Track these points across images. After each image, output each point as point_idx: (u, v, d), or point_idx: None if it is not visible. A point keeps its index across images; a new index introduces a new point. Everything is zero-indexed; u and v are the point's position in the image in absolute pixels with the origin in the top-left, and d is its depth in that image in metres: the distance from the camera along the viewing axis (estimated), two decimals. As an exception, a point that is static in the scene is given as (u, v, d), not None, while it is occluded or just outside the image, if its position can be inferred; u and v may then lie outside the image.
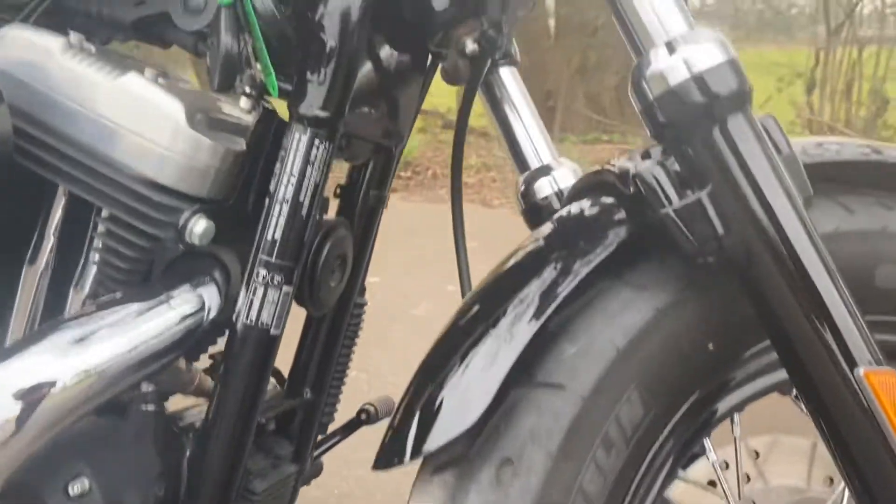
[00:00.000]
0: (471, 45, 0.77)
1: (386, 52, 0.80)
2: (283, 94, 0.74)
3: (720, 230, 0.62)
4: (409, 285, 3.13)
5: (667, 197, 0.63)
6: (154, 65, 0.84)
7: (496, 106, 0.94)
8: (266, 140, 0.77)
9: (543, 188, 0.90)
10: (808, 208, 0.65)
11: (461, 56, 0.80)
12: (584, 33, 7.20)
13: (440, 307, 2.91)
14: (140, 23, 0.81)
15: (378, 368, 2.39)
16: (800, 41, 8.38)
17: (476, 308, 0.70)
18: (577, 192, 0.77)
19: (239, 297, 0.73)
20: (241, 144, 0.76)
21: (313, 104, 0.70)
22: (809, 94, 7.19)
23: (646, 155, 0.71)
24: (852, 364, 0.60)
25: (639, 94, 0.64)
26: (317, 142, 0.71)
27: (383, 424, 1.08)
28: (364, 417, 1.05)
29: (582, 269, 0.66)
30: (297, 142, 0.71)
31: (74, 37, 0.76)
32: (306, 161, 0.71)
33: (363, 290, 0.94)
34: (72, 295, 0.79)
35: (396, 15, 0.76)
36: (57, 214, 0.78)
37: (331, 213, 0.89)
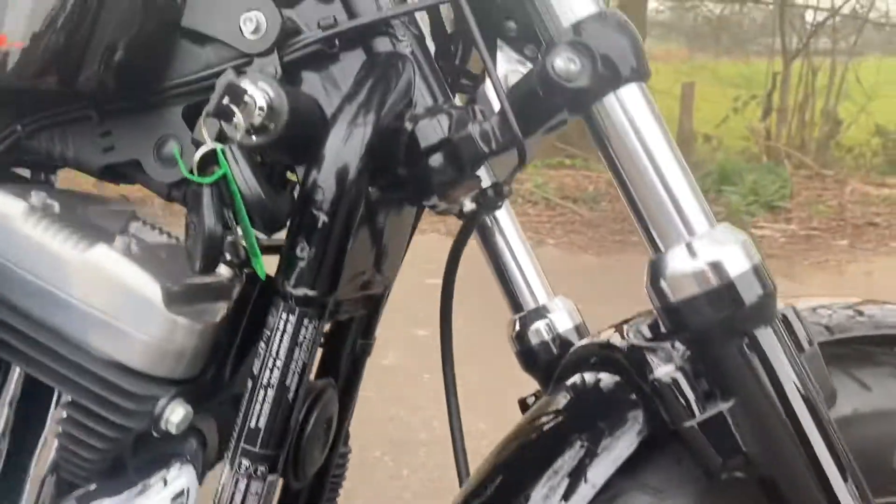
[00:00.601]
0: (469, 205, 0.72)
1: (378, 207, 0.74)
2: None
3: (743, 445, 0.58)
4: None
5: (688, 407, 0.59)
6: (127, 217, 0.78)
7: (488, 241, 0.89)
8: (247, 305, 0.72)
9: (540, 333, 0.86)
10: (832, 406, 0.63)
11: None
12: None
13: (410, 356, 2.85)
14: (109, 168, 0.75)
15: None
16: (753, 52, 8.53)
17: (488, 494, 0.66)
18: (582, 361, 0.73)
19: (221, 477, 0.67)
20: (221, 314, 0.70)
21: (303, 283, 0.65)
22: (765, 119, 7.31)
23: (654, 328, 0.68)
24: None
25: (658, 293, 0.60)
26: (306, 321, 0.65)
27: None
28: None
29: (600, 469, 0.62)
30: (284, 322, 0.65)
31: (36, 197, 0.69)
32: (294, 343, 0.65)
33: (347, 437, 0.88)
34: (32, 473, 0.72)
35: (391, 175, 0.70)
36: (11, 388, 0.71)
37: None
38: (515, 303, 0.88)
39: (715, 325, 0.58)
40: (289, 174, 0.80)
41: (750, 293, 0.57)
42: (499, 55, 0.77)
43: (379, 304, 0.83)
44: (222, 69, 0.70)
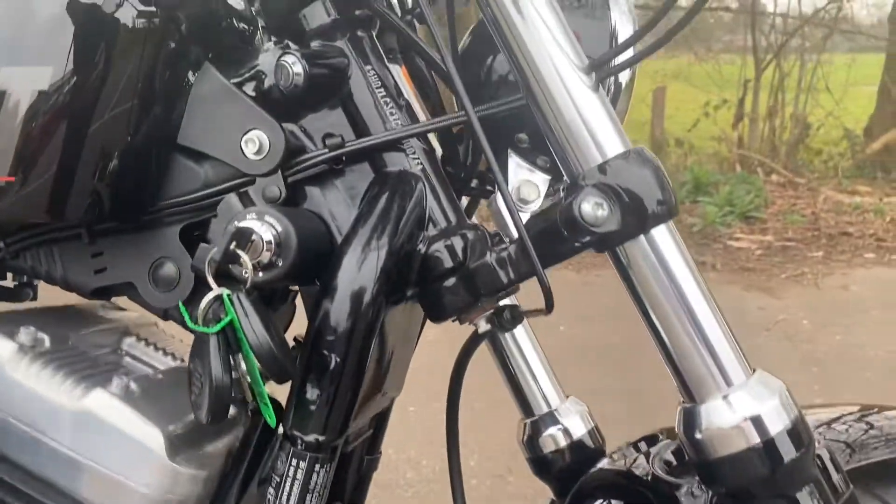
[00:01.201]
0: (483, 326, 0.69)
1: (386, 326, 0.71)
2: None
3: None
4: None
5: None
6: (120, 332, 0.74)
7: (496, 340, 0.86)
8: (252, 437, 0.68)
9: (554, 440, 0.82)
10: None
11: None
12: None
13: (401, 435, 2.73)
14: (101, 290, 0.71)
15: None
16: (725, 59, 8.59)
17: None
18: (603, 485, 0.71)
19: None
20: (225, 454, 0.66)
21: (313, 428, 0.61)
22: (736, 125, 7.35)
23: (678, 455, 0.66)
24: None
25: (694, 445, 0.57)
26: (317, 467, 0.62)
27: None
28: None
29: None
30: (295, 469, 0.62)
31: (25, 334, 0.65)
32: (305, 490, 0.62)
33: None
34: None
35: (402, 295, 0.67)
36: None
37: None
38: (525, 406, 0.85)
39: (753, 485, 0.55)
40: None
41: (789, 450, 0.55)
42: (509, 163, 0.73)
43: (385, 418, 0.80)
44: (222, 189, 0.67)
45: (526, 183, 0.72)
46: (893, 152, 7.00)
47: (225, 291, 0.59)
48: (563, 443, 0.82)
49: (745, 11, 7.09)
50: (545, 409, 0.84)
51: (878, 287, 4.20)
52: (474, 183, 0.79)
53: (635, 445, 0.73)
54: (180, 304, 0.63)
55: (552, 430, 0.83)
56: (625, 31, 0.70)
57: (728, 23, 8.96)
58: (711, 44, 8.96)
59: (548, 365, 0.86)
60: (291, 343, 0.75)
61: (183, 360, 0.76)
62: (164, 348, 0.75)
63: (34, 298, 0.82)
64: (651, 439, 0.72)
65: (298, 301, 0.79)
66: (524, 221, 0.62)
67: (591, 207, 0.56)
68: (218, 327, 0.58)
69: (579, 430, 0.83)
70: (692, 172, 6.17)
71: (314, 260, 0.64)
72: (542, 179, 0.72)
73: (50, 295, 0.80)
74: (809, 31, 7.24)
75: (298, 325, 0.82)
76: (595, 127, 0.59)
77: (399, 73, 0.75)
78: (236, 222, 0.60)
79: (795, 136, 7.42)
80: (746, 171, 6.45)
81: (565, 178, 0.62)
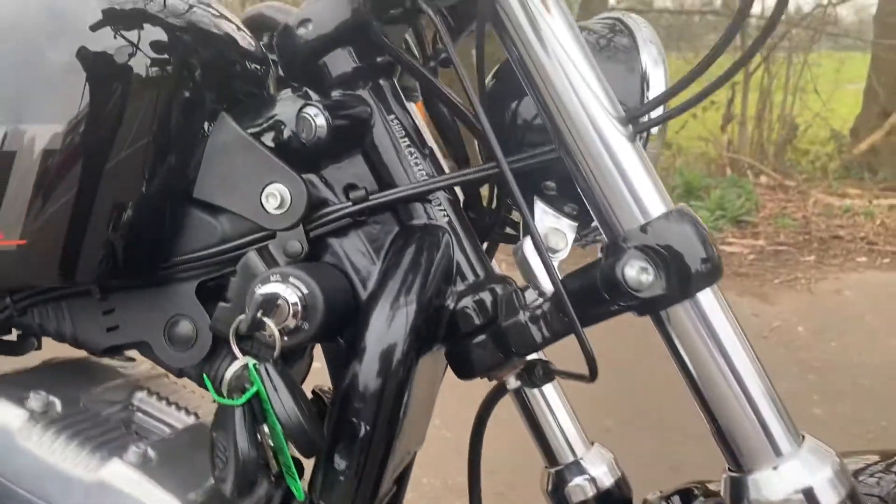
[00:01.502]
0: (513, 383, 0.66)
1: (414, 386, 0.68)
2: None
3: None
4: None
5: None
6: (130, 388, 0.71)
7: (520, 389, 0.83)
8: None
9: (581, 490, 0.80)
10: None
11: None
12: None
13: None
14: (114, 348, 0.68)
15: None
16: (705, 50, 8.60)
17: None
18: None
19: None
20: (246, 520, 0.63)
21: (343, 500, 0.59)
22: (725, 127, 7.36)
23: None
24: None
25: None
26: (346, 539, 0.59)
27: None
28: None
29: None
30: (323, 541, 0.59)
31: (35, 400, 0.62)
32: (333, 562, 0.59)
33: None
34: None
35: (428, 349, 0.65)
36: None
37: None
38: (549, 454, 0.82)
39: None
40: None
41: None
42: (535, 211, 0.71)
43: (407, 474, 0.77)
44: (241, 244, 0.64)
45: (553, 231, 0.70)
46: (880, 153, 7.02)
47: (251, 361, 0.56)
48: (590, 493, 0.80)
49: (732, 14, 7.09)
50: (570, 458, 0.81)
51: (871, 291, 4.21)
52: (497, 230, 0.77)
53: (667, 500, 0.70)
54: (204, 376, 0.60)
55: (578, 479, 0.80)
56: (656, 76, 0.67)
57: (715, 24, 8.98)
58: (698, 46, 8.97)
59: (572, 411, 0.83)
60: (309, 395, 0.73)
61: (196, 415, 0.73)
62: (176, 402, 0.72)
63: (38, 348, 0.79)
64: (685, 495, 0.70)
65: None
66: (556, 273, 0.59)
67: (636, 272, 0.54)
68: (244, 399, 0.55)
69: (607, 479, 0.80)
70: (682, 176, 6.17)
71: (338, 318, 0.62)
72: (569, 227, 0.70)
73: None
74: (796, 32, 7.25)
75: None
76: (635, 184, 0.56)
77: (417, 114, 0.72)
78: (260, 287, 0.57)
79: (783, 137, 7.44)
80: (737, 174, 6.45)
81: (594, 224, 0.59)
